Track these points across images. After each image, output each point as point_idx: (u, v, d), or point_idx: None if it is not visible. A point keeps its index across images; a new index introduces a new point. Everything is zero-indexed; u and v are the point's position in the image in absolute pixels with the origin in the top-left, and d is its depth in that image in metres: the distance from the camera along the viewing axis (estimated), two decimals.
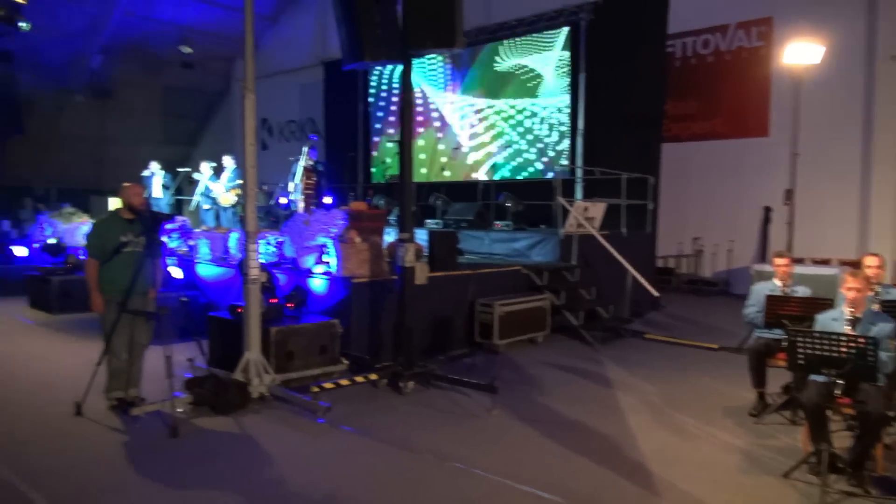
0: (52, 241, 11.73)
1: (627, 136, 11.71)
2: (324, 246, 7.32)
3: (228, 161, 12.31)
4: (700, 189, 13.35)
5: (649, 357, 7.82)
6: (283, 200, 10.86)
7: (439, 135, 14.37)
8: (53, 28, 16.17)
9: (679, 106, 13.62)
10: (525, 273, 8.89)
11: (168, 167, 13.57)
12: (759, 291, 5.66)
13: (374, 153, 16.61)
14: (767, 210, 12.53)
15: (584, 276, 9.42)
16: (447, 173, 14.58)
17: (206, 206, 12.66)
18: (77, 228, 11.78)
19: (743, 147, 12.88)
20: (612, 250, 9.07)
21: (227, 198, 12.00)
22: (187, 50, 18.15)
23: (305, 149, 10.71)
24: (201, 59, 19.18)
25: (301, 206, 10.21)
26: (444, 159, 14.25)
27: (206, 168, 12.51)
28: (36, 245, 12.22)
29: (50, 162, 20.13)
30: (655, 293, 9.23)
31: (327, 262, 7.28)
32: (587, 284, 9.37)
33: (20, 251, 12.36)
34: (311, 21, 18.79)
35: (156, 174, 13.21)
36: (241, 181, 9.61)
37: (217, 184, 12.25)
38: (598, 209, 9.95)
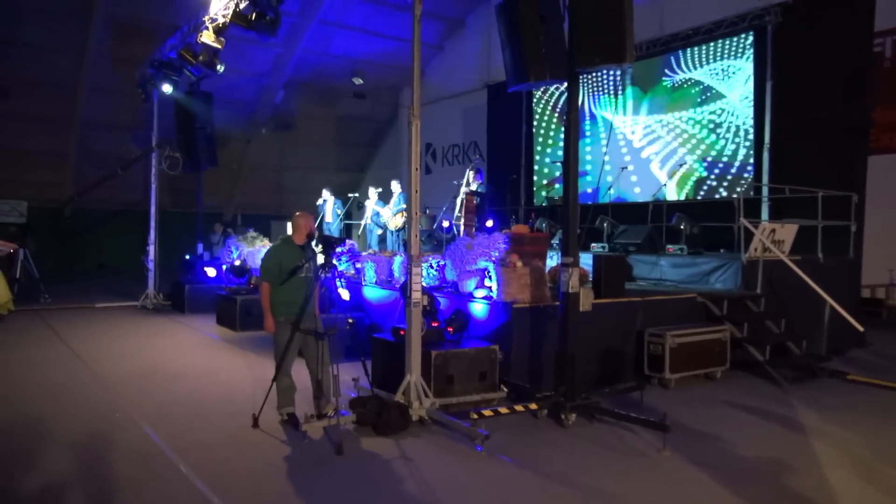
0: (237, 262, 12.74)
1: (823, 149, 10.50)
2: (485, 270, 7.22)
3: (396, 186, 12.75)
4: None
5: (852, 401, 6.80)
6: (445, 224, 10.99)
7: (606, 157, 13.86)
8: (244, 69, 17.99)
9: (890, 113, 11.95)
10: (701, 301, 8.18)
11: (339, 193, 14.37)
12: None
13: (540, 180, 16.44)
14: None
15: (771, 307, 8.48)
16: (613, 193, 14.00)
17: (378, 232, 13.19)
18: (258, 251, 12.73)
19: None
20: (805, 278, 8.07)
21: (396, 221, 12.42)
22: (359, 81, 19.23)
23: (469, 172, 10.78)
24: (371, 89, 20.26)
25: (463, 229, 10.25)
26: (610, 178, 13.68)
27: (373, 193, 13.07)
28: (224, 266, 13.31)
29: (237, 190, 22.35)
30: (860, 328, 8.16)
31: (488, 287, 7.17)
32: (775, 316, 8.41)
33: (210, 272, 13.55)
34: (475, 46, 19.09)
35: (328, 201, 14.05)
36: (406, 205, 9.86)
37: (385, 208, 12.73)
38: (787, 231, 8.97)
